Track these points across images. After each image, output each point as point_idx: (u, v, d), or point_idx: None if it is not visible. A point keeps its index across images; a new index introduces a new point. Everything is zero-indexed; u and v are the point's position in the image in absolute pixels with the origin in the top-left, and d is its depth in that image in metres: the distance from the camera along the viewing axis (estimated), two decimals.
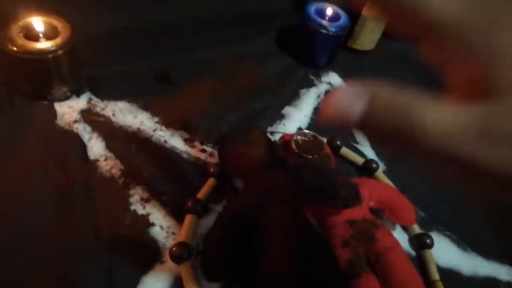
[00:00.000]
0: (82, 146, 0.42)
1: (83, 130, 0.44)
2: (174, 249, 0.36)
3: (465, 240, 0.44)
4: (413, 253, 0.42)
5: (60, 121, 0.44)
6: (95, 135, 0.44)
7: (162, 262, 0.36)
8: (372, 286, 0.35)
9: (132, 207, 0.39)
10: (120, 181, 0.41)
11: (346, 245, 0.37)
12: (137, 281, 0.35)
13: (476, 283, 0.41)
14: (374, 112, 0.16)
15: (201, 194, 0.40)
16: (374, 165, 0.47)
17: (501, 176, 0.15)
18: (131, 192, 0.40)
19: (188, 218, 0.38)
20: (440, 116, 0.15)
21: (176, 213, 0.40)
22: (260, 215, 0.36)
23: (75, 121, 0.44)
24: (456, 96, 0.17)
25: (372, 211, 0.42)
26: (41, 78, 0.44)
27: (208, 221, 0.39)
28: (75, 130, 0.43)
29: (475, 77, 0.16)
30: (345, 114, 0.17)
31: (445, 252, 0.43)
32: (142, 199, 0.40)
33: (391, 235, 0.40)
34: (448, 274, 0.41)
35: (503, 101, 0.15)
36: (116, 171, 0.41)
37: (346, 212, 0.39)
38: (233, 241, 0.36)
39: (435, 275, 0.39)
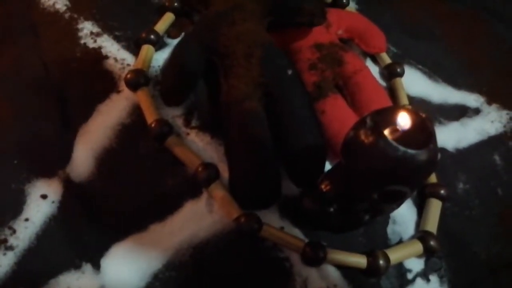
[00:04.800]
0: None
1: None
2: (129, 75, 0.34)
3: (437, 72, 0.43)
4: (383, 84, 0.41)
5: None
6: None
7: (118, 91, 0.34)
8: (339, 104, 0.34)
9: (82, 41, 0.36)
10: (66, 15, 0.37)
11: (313, 68, 0.36)
12: (92, 109, 0.33)
13: (445, 110, 0.40)
14: None
15: (158, 27, 0.37)
16: (344, 1, 0.44)
17: None
18: (80, 26, 0.37)
19: (144, 48, 0.35)
20: None
21: (131, 47, 0.37)
22: (220, 36, 0.34)
23: None
24: None
25: (342, 41, 0.40)
26: None
27: (165, 55, 0.37)
28: None
29: None
30: None
31: (416, 83, 0.41)
32: (92, 33, 0.37)
33: (359, 58, 0.38)
34: (418, 102, 0.40)
35: None
36: (60, 6, 0.37)
37: (313, 36, 0.37)
38: (193, 64, 0.34)
39: (404, 100, 0.39)
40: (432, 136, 0.24)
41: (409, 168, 0.24)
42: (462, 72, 0.44)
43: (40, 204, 0.29)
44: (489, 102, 0.42)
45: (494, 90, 0.42)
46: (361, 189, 0.26)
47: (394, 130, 0.24)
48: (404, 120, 0.24)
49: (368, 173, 0.25)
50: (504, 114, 0.41)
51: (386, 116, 0.25)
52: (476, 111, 0.41)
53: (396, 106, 0.34)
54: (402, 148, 0.23)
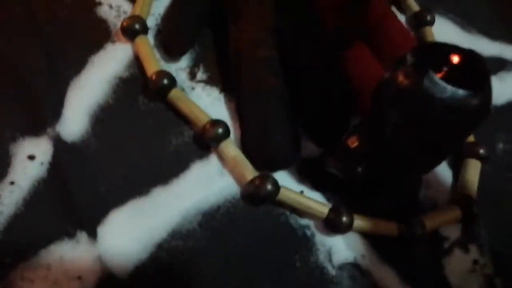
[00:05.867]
0: None
1: None
2: (125, 22, 0.29)
3: (470, 22, 0.38)
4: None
5: None
6: None
7: (114, 42, 0.30)
8: (364, 52, 0.30)
9: None
10: None
11: (335, 12, 0.31)
12: (84, 61, 0.29)
13: None
14: None
15: None
16: None
17: None
18: None
19: None
20: None
21: None
22: None
23: None
24: None
25: None
26: None
27: (167, 1, 0.32)
28: None
29: None
30: None
31: (447, 34, 0.37)
32: None
33: (385, 2, 0.34)
34: None
35: None
36: None
37: None
38: (197, 8, 0.30)
39: None
40: (486, 76, 0.20)
41: (458, 114, 0.20)
42: (498, 21, 0.39)
43: (27, 165, 0.25)
44: None
45: None
46: (397, 143, 0.22)
47: (440, 69, 0.20)
48: (452, 56, 0.20)
49: (408, 122, 0.21)
50: None
51: (430, 52, 0.21)
52: None
53: (440, 42, 0.29)
54: (451, 88, 0.19)
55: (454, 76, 0.20)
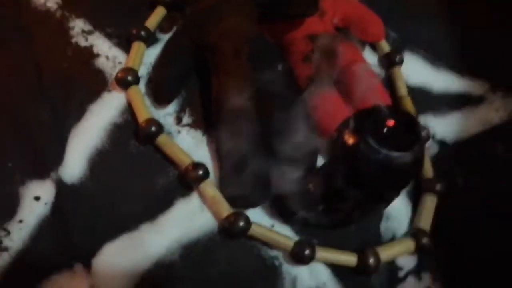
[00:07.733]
0: None
1: None
2: (119, 74, 0.33)
3: (440, 58, 0.41)
4: (382, 73, 0.39)
5: None
6: None
7: (109, 91, 0.34)
8: (333, 99, 0.34)
9: (74, 40, 0.36)
10: (58, 14, 0.37)
11: (307, 61, 0.35)
12: (84, 109, 0.33)
13: (447, 99, 0.39)
14: None
15: (149, 22, 0.37)
16: None
17: None
18: (71, 24, 0.37)
19: (135, 45, 0.35)
20: None
21: (123, 44, 0.36)
22: (208, 33, 0.33)
23: None
24: None
25: (337, 29, 0.38)
26: None
27: (157, 50, 0.36)
28: None
29: None
30: None
31: (416, 70, 0.40)
32: (84, 31, 0.36)
33: (355, 48, 0.37)
34: (418, 91, 0.39)
35: None
36: (52, 5, 0.37)
37: (306, 26, 0.36)
38: (183, 61, 0.34)
39: (403, 91, 0.37)
40: (418, 137, 0.23)
41: (392, 171, 0.23)
42: (466, 57, 0.42)
43: (33, 205, 0.29)
44: (494, 89, 0.40)
45: (499, 77, 0.40)
46: (345, 190, 0.26)
47: (379, 131, 0.24)
48: (388, 120, 0.24)
49: (351, 175, 0.24)
50: (509, 102, 0.39)
51: (370, 117, 0.24)
52: (480, 99, 0.39)
53: (381, 106, 0.33)
54: (384, 151, 0.22)
55: (390, 136, 0.23)
